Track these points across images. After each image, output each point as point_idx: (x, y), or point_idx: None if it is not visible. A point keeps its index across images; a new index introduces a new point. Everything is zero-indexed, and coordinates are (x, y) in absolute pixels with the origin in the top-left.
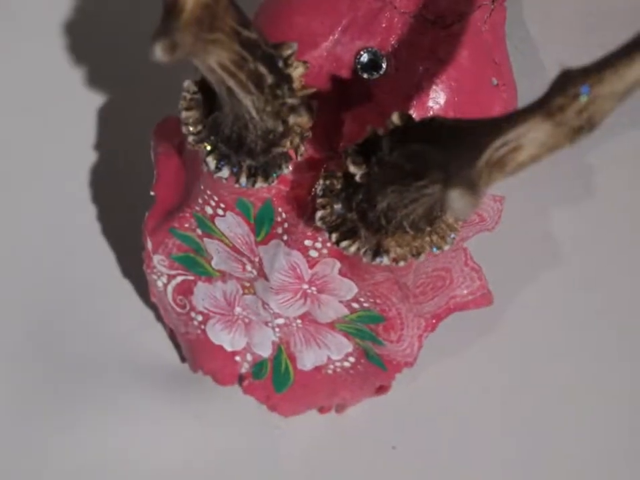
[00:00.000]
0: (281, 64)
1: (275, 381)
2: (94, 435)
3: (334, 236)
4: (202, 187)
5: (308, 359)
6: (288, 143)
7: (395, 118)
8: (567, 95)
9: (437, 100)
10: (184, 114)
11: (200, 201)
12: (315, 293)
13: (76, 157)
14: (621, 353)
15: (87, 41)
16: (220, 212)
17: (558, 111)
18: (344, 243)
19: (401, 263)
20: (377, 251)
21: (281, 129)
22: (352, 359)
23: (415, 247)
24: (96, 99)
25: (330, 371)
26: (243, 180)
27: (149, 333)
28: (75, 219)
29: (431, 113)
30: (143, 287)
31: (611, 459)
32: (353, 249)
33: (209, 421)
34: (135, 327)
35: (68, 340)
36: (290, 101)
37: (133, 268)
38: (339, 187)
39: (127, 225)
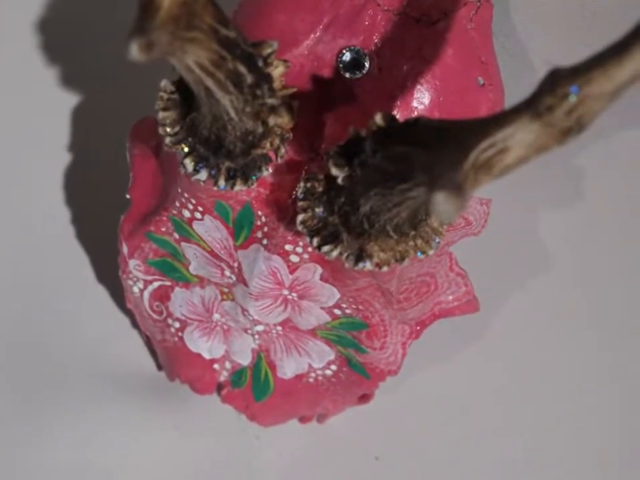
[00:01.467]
0: (260, 63)
1: (255, 390)
2: (67, 446)
3: (315, 240)
4: (179, 190)
5: (288, 367)
6: (268, 145)
7: (378, 119)
8: (556, 95)
9: (421, 100)
10: (161, 114)
11: (177, 204)
12: (295, 299)
13: (50, 159)
14: (612, 356)
15: (61, 39)
16: (198, 215)
17: (546, 111)
18: (325, 248)
19: (384, 268)
20: (360, 256)
21: (260, 130)
22: (334, 367)
23: (398, 251)
24: (70, 99)
25: (311, 380)
26: (222, 182)
27: (125, 340)
28: (48, 222)
29: (416, 113)
30: (118, 293)
31: (600, 465)
32: (334, 253)
33: (187, 431)
34: (110, 334)
35: (41, 347)
36: (270, 101)
37: (108, 273)
38: (320, 189)
39: (102, 229)
